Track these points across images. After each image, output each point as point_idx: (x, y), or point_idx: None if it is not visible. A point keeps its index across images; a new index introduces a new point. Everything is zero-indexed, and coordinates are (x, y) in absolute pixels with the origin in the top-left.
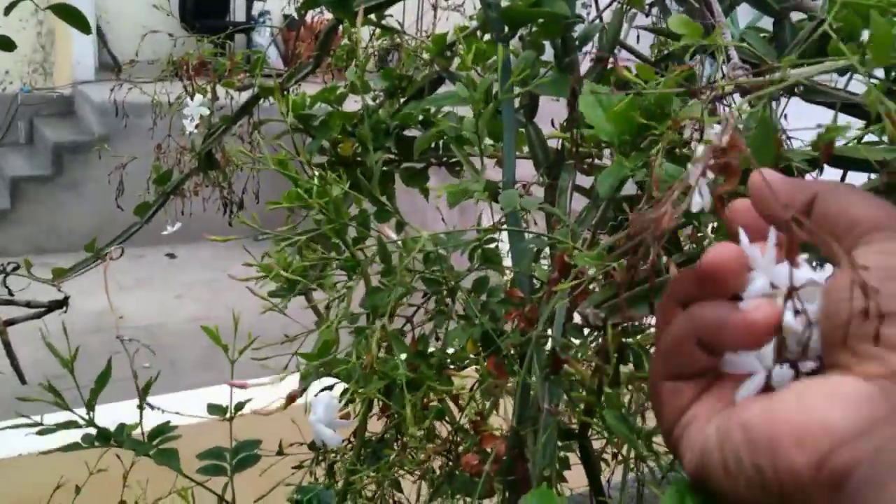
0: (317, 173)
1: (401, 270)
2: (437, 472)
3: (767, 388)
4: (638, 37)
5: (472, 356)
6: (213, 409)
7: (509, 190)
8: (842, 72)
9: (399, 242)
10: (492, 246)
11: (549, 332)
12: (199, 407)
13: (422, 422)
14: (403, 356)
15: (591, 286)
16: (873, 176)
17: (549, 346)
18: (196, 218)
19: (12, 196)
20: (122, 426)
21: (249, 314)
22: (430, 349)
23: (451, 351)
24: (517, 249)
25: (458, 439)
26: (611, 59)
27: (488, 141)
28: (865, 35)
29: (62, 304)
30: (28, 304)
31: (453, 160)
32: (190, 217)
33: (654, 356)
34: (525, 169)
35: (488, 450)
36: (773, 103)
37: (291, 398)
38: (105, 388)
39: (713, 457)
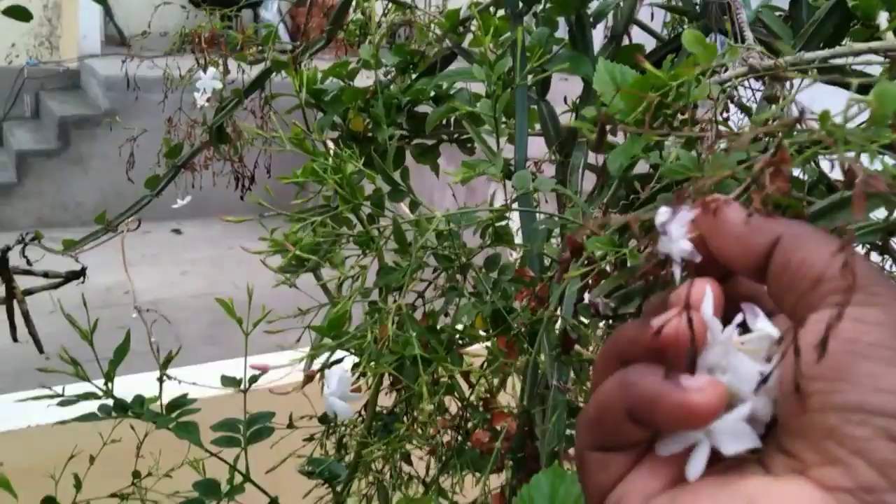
0: (331, 149)
1: (416, 251)
2: (446, 447)
3: (714, 456)
4: (652, 14)
5: (481, 332)
6: (227, 381)
7: (522, 171)
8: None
9: (413, 222)
10: (503, 223)
11: (560, 311)
12: (209, 381)
13: (432, 397)
14: (415, 333)
15: (602, 269)
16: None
17: (559, 325)
18: (203, 194)
19: (18, 170)
20: (139, 398)
21: (256, 291)
22: (440, 326)
23: (460, 327)
24: (528, 229)
25: (468, 415)
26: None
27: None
28: (881, 17)
29: (79, 274)
30: (46, 275)
31: (464, 137)
32: (198, 192)
33: (580, 420)
34: (536, 147)
35: (499, 427)
36: (787, 84)
37: (309, 377)
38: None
39: None
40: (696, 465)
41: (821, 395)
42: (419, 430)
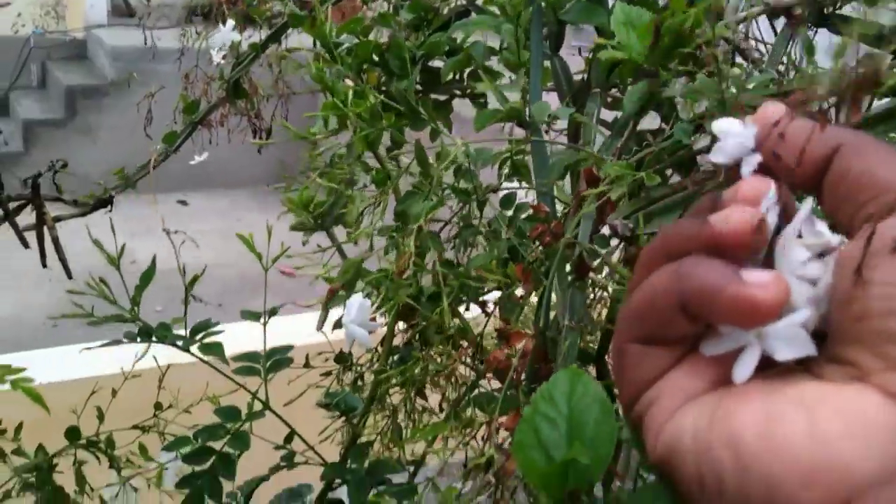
0: (350, 85)
1: (438, 174)
2: (458, 386)
3: (764, 362)
4: None
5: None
6: (248, 315)
7: (540, 101)
8: (870, 2)
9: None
10: (521, 157)
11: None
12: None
13: (447, 330)
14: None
15: (618, 198)
16: None
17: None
18: (209, 165)
19: (25, 139)
20: (163, 324)
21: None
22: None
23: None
24: (541, 167)
25: (482, 349)
26: None
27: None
28: None
29: (107, 202)
30: (75, 202)
31: (477, 92)
32: (204, 164)
33: (622, 311)
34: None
35: (515, 348)
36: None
37: (332, 292)
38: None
39: (686, 464)
40: (745, 368)
41: (884, 299)
42: (436, 360)
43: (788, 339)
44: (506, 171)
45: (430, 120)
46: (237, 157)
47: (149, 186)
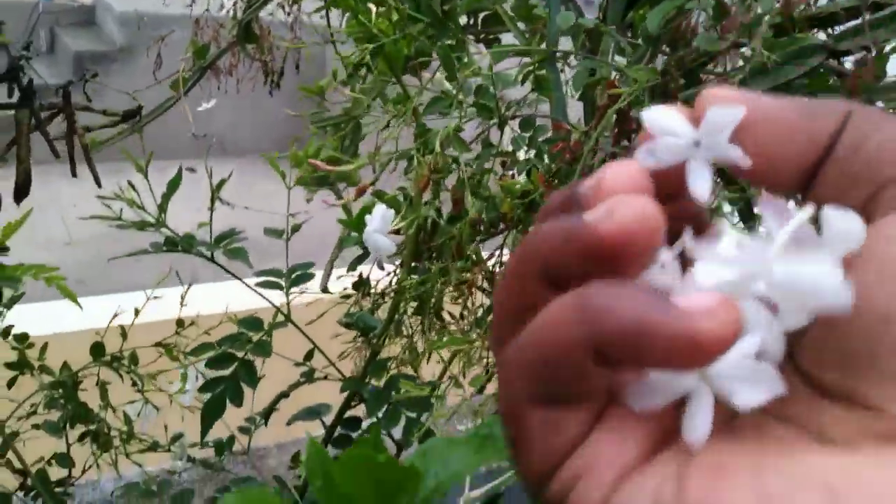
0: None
1: (465, 76)
2: (475, 308)
3: (720, 411)
4: None
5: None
6: (270, 232)
7: (565, 12)
8: None
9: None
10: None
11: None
12: (239, 297)
13: (466, 247)
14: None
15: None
16: None
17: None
18: (216, 133)
19: None
20: (188, 235)
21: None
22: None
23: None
24: (558, 83)
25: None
26: None
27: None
28: None
29: (136, 113)
30: (104, 112)
31: (491, 37)
32: (214, 132)
33: (509, 361)
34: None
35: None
36: None
37: (361, 190)
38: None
39: None
40: (701, 427)
41: None
42: (451, 286)
43: (746, 377)
44: (529, 85)
45: (458, 30)
46: (244, 125)
47: (158, 153)
